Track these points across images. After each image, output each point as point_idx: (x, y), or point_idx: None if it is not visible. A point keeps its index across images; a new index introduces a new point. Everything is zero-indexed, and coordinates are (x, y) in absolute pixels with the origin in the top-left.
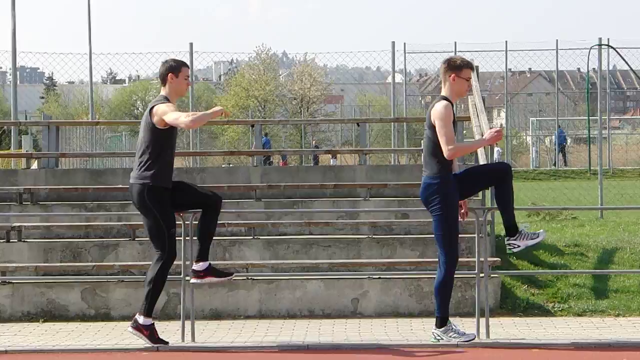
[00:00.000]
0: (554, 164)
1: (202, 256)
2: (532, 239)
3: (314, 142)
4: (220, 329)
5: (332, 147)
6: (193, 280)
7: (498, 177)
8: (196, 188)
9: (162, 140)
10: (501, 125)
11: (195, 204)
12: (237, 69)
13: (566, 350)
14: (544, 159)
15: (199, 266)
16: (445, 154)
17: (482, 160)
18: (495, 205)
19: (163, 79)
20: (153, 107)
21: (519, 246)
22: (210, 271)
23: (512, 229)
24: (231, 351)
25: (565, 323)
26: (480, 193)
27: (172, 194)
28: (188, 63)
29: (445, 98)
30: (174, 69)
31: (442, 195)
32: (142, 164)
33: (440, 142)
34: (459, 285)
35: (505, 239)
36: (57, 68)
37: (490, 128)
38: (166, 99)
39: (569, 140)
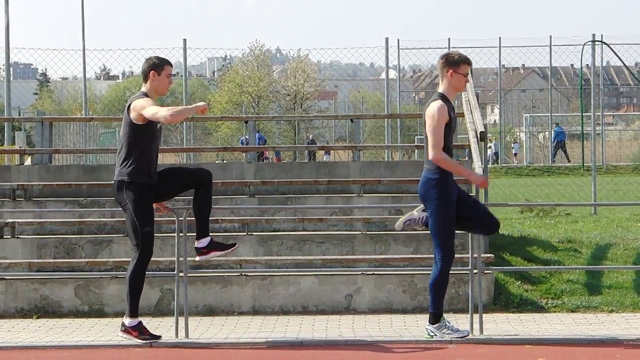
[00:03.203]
0: (569, 160)
1: (203, 233)
2: (453, 332)
3: (310, 136)
4: (214, 325)
5: (326, 143)
6: (198, 258)
7: (483, 227)
8: (182, 170)
9: (141, 136)
10: (494, 121)
11: (184, 185)
12: (231, 65)
13: (559, 346)
14: (538, 155)
15: (200, 243)
16: (430, 155)
17: (475, 159)
18: (496, 201)
19: (145, 76)
20: (131, 103)
21: (435, 335)
22: (212, 246)
23: (435, 317)
24: (225, 347)
25: (558, 319)
26: (473, 190)
27: (157, 185)
28: (182, 59)
29: (442, 95)
30: (157, 66)
31: (440, 191)
32: (122, 160)
33: (428, 142)
34: (453, 281)
35: (426, 324)
36: (51, 64)
37: (485, 174)
38: (145, 95)
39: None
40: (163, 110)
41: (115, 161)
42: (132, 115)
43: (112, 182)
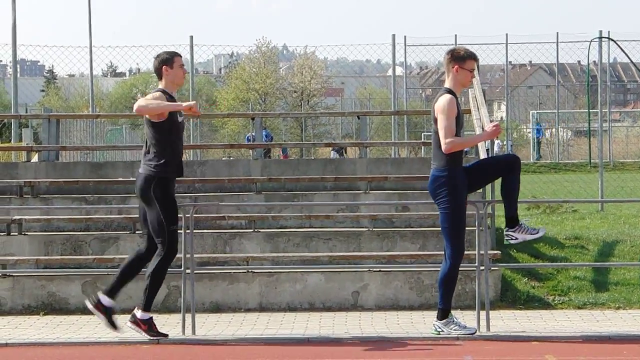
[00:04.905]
0: (545, 158)
1: (147, 306)
2: (531, 234)
3: (341, 138)
4: (221, 322)
5: (332, 140)
6: (129, 324)
7: (507, 168)
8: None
9: (162, 132)
10: (501, 118)
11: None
12: (238, 62)
13: (566, 343)
14: (545, 152)
15: (140, 314)
16: (443, 147)
17: (482, 154)
18: (500, 197)
19: (158, 73)
20: None
21: (516, 238)
22: (148, 323)
23: (512, 221)
24: (232, 344)
25: (565, 316)
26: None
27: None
28: (189, 56)
29: (449, 90)
30: (167, 61)
31: (449, 188)
32: (148, 157)
33: (440, 135)
34: (460, 278)
35: (505, 229)
36: (58, 61)
37: (491, 122)
38: (163, 92)
39: (569, 133)
40: (140, 100)
41: (141, 155)
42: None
43: (119, 178)
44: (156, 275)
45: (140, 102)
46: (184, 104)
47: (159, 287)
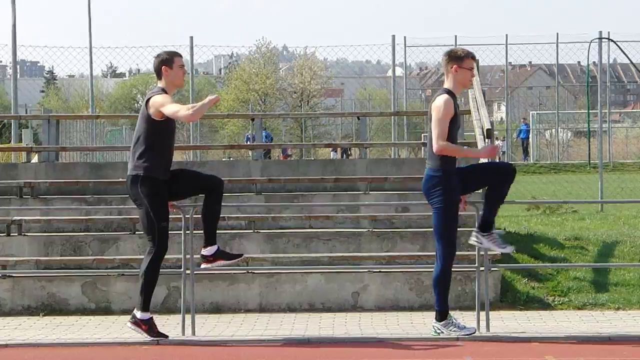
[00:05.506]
0: (526, 158)
1: (210, 240)
2: (497, 246)
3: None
4: (221, 322)
5: (332, 141)
6: (203, 265)
7: (502, 178)
8: (195, 174)
9: (158, 131)
10: (501, 119)
11: (196, 188)
12: (238, 63)
13: (566, 344)
14: (544, 153)
15: (207, 250)
16: (434, 147)
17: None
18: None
19: (158, 73)
20: (149, 98)
21: (481, 243)
22: (219, 254)
23: (487, 226)
24: (231, 345)
25: (565, 316)
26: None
27: (169, 184)
28: (188, 56)
29: (447, 90)
30: (167, 61)
31: (443, 188)
32: (137, 155)
33: (432, 135)
34: (459, 278)
35: (475, 229)
36: (58, 62)
37: (492, 143)
38: (163, 91)
39: (569, 134)
40: (183, 109)
41: (129, 155)
42: (151, 111)
43: (119, 179)
44: (149, 274)
45: (181, 110)
46: (212, 96)
47: (154, 286)
